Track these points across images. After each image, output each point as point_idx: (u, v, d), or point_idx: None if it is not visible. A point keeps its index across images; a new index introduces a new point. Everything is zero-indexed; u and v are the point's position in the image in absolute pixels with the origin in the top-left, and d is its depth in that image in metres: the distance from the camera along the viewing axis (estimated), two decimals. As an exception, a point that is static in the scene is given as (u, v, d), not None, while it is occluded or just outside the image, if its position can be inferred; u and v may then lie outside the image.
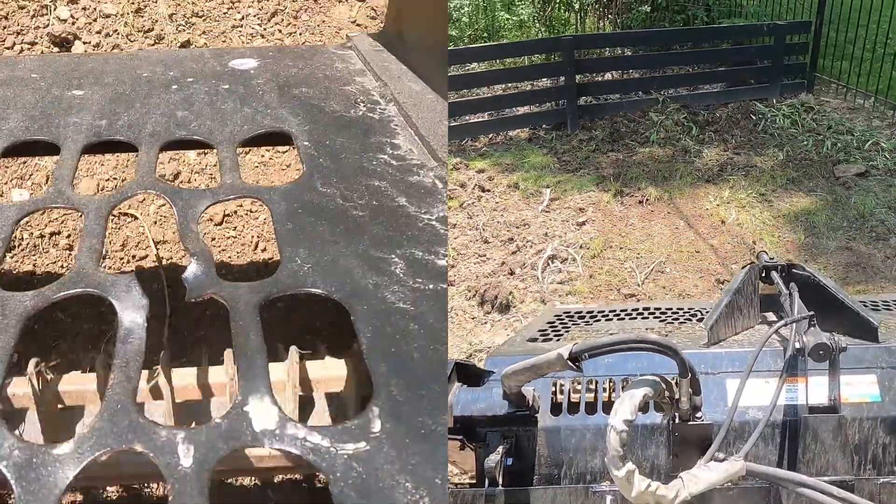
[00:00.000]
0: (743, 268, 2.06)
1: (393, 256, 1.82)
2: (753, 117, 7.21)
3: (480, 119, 7.07)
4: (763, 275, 2.08)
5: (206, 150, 3.87)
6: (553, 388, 1.72)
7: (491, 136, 7.02)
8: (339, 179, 2.14)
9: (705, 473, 1.39)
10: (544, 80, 7.48)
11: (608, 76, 7.91)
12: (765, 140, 6.82)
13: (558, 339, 2.03)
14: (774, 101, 7.52)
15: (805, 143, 6.66)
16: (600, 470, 1.61)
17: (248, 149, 4.08)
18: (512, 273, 4.70)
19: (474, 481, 1.67)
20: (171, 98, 2.69)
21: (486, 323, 4.25)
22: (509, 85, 7.54)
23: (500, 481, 1.59)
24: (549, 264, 4.81)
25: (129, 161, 4.07)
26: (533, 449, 1.65)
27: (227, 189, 2.12)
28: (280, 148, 4.18)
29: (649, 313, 2.18)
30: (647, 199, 5.73)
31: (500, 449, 1.62)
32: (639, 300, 4.45)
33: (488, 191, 5.90)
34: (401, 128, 2.48)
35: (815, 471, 1.57)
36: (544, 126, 7.19)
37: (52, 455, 1.33)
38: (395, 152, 2.33)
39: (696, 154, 6.56)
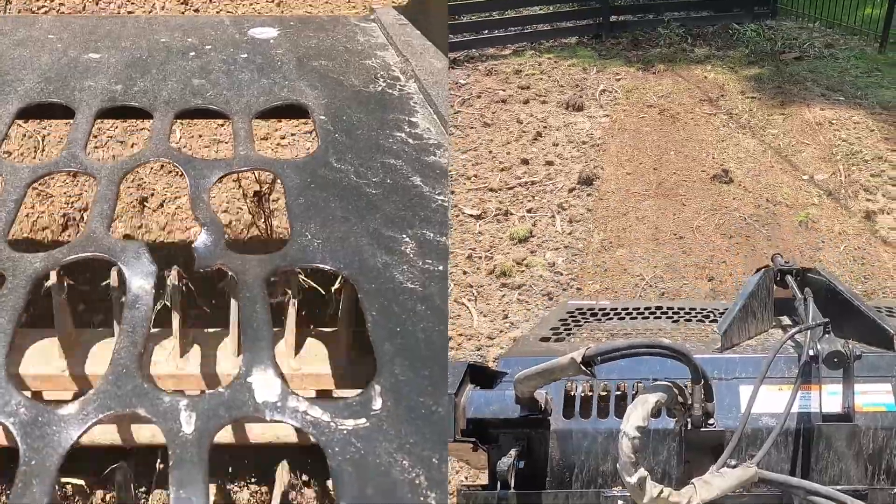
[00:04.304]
0: (757, 271, 2.04)
1: (404, 236, 1.80)
2: (731, 32, 10.52)
3: (543, 29, 10.43)
4: (777, 278, 2.06)
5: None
6: (565, 391, 1.69)
7: (551, 41, 10.37)
8: (354, 155, 2.12)
9: (717, 480, 1.37)
10: (588, 2, 10.81)
11: (631, 2, 11.27)
12: (737, 44, 10.13)
13: (571, 338, 2.04)
14: (747, 23, 10.85)
15: (763, 45, 9.98)
16: (612, 474, 1.59)
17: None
18: (580, 97, 8.09)
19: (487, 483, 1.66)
20: (188, 65, 2.66)
21: (570, 114, 7.68)
22: (563, 5, 10.89)
23: (512, 484, 1.57)
24: (602, 94, 8.23)
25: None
26: (545, 452, 1.63)
27: (240, 160, 2.11)
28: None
29: (662, 312, 2.19)
30: (657, 71, 9.09)
31: (513, 452, 1.60)
32: (654, 108, 7.82)
33: (557, 67, 9.26)
34: (420, 106, 2.45)
35: (828, 479, 1.54)
36: (586, 37, 10.51)
37: (58, 415, 1.33)
38: (413, 130, 2.30)
39: (690, 51, 9.89)
